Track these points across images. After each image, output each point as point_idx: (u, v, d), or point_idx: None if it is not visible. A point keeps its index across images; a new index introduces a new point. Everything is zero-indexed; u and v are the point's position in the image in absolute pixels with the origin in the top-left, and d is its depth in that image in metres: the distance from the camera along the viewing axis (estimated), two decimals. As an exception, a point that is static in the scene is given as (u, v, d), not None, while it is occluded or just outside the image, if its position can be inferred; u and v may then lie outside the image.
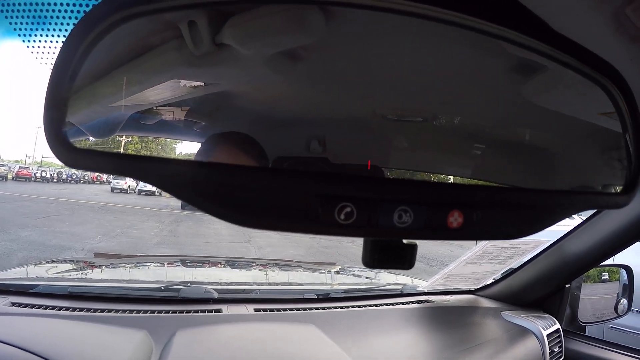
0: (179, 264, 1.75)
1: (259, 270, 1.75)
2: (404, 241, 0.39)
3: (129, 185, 30.12)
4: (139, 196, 27.18)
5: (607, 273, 1.82)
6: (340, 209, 0.33)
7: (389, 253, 0.39)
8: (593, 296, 1.74)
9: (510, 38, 0.40)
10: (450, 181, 0.47)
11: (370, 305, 1.30)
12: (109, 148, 0.39)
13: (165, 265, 1.70)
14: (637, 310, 3.26)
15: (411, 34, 0.39)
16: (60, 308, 0.98)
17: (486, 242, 1.37)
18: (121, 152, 0.39)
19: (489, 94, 0.47)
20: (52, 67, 0.32)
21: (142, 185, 31.00)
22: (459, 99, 0.45)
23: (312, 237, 12.24)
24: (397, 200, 0.35)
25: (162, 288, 1.17)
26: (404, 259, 0.39)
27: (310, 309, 1.18)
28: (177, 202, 22.75)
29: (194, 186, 0.33)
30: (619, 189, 0.47)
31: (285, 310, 1.15)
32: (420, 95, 0.44)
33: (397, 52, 0.41)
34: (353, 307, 1.26)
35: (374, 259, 0.39)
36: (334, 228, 0.33)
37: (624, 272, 1.74)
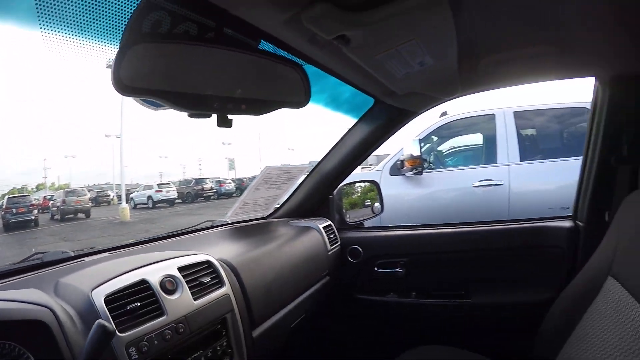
0: None
1: None
2: (229, 116, 0.94)
3: None
4: None
5: (369, 200, 2.52)
6: (214, 102, 0.90)
7: (225, 120, 0.94)
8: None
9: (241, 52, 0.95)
10: (243, 97, 0.96)
11: (188, 236, 1.65)
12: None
13: None
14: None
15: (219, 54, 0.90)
16: None
17: (265, 168, 1.80)
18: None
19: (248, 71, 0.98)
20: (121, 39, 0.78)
21: None
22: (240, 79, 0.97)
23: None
24: (229, 101, 0.92)
25: (28, 257, 1.24)
26: (229, 122, 0.95)
27: (142, 247, 1.43)
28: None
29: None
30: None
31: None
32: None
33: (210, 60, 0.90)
34: (175, 238, 1.58)
35: (221, 121, 0.94)
36: (212, 110, 0.91)
37: (374, 185, 2.45)
